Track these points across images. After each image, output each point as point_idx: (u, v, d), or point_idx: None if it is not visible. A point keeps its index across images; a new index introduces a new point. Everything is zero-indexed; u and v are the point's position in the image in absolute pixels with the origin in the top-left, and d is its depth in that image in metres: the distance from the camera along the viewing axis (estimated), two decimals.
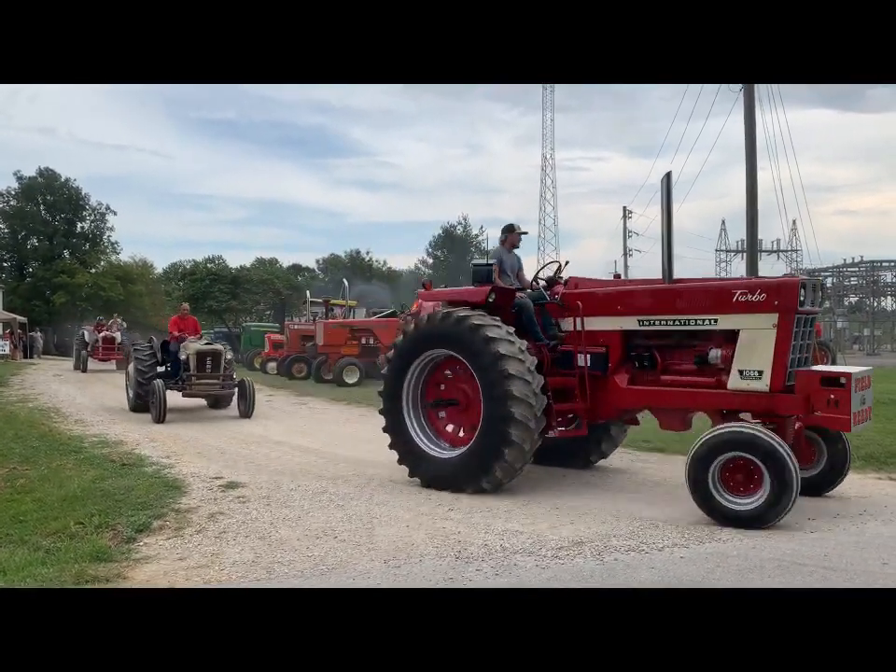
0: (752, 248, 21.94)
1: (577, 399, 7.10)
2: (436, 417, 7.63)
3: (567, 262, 8.13)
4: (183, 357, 13.35)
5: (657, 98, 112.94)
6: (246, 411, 13.19)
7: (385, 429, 7.74)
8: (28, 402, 15.41)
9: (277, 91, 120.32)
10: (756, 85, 20.24)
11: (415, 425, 7.54)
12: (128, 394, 14.23)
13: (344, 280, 26.82)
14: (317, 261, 74.37)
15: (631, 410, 7.35)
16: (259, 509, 6.37)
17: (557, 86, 67.51)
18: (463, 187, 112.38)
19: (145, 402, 13.12)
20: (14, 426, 11.51)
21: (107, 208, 59.27)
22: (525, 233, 8.30)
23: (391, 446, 7.70)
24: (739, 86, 20.57)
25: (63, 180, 57.47)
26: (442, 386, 7.61)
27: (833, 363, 17.21)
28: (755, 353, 6.13)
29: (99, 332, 28.37)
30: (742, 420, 6.19)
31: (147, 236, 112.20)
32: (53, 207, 56.97)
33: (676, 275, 6.92)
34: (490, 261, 7.76)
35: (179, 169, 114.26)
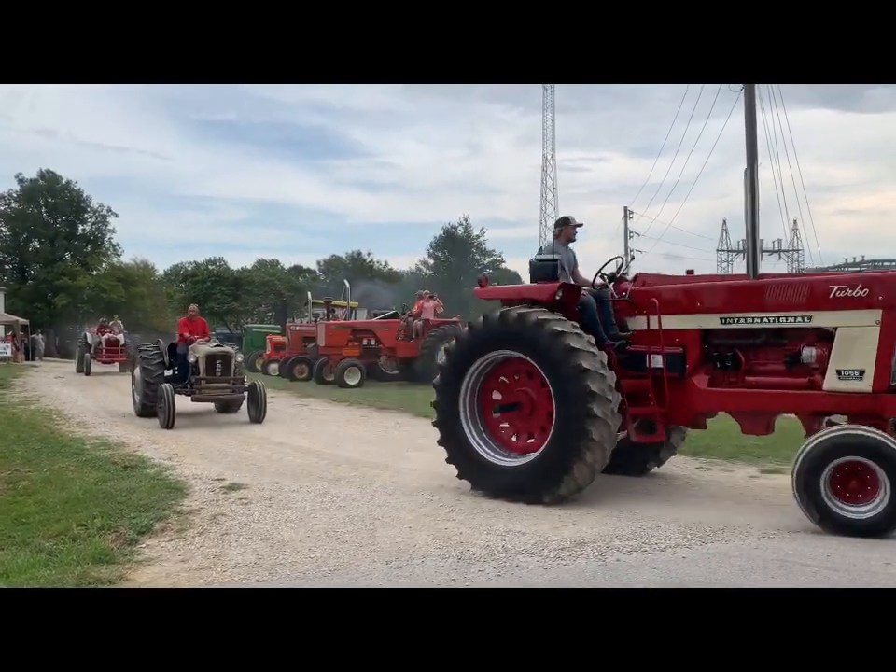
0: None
1: (652, 403, 6.71)
2: (496, 425, 7.18)
3: (632, 257, 7.64)
4: (192, 359, 12.87)
5: (657, 99, 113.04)
6: (257, 416, 12.67)
7: (440, 442, 7.30)
8: (30, 405, 15.42)
9: (277, 93, 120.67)
10: (756, 85, 20.23)
11: (475, 433, 7.09)
12: (134, 399, 13.84)
13: (346, 281, 26.81)
14: (318, 263, 74.59)
15: (709, 413, 7.00)
16: (261, 510, 6.37)
17: (557, 86, 67.60)
18: (463, 187, 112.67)
19: (152, 407, 12.72)
20: (16, 428, 11.52)
21: (109, 210, 59.46)
22: (581, 225, 7.74)
23: (449, 460, 7.22)
24: (740, 86, 20.56)
25: (64, 183, 57.60)
26: (497, 394, 7.17)
27: None
28: (855, 351, 5.78)
29: (102, 334, 28.10)
30: (835, 423, 5.92)
31: (147, 238, 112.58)
32: (55, 210, 57.07)
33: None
34: (556, 256, 7.23)
35: (179, 171, 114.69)
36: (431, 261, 72.87)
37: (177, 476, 7.84)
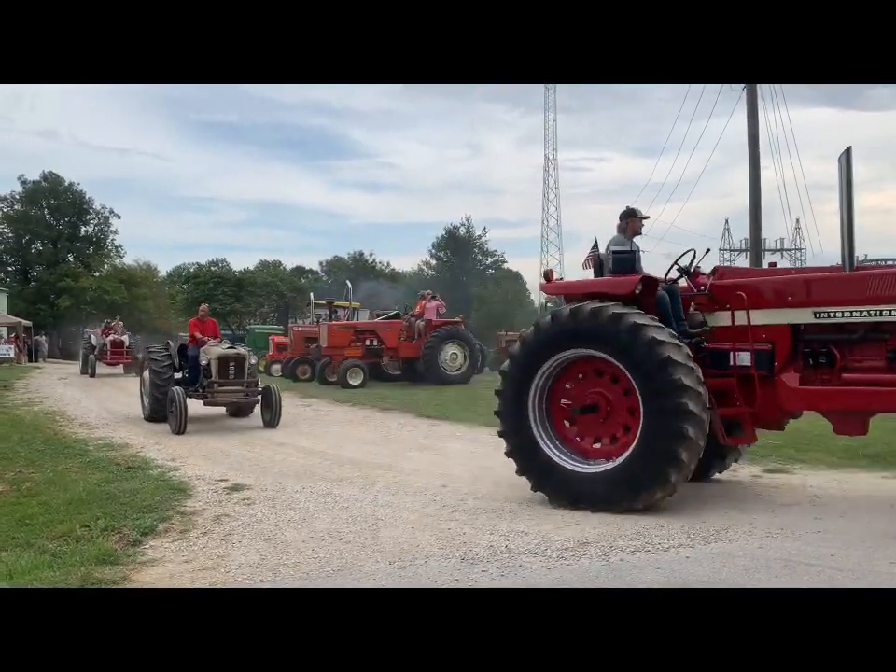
0: (756, 247, 21.90)
1: (738, 403, 6.30)
2: (566, 431, 6.73)
3: (707, 250, 7.18)
4: (204, 362, 12.22)
5: (658, 99, 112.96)
6: (272, 420, 12.15)
7: (507, 454, 6.82)
8: (33, 406, 15.44)
9: (278, 93, 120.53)
10: (758, 84, 20.22)
11: (547, 440, 6.60)
12: (143, 402, 13.33)
13: (348, 282, 26.83)
14: (321, 263, 74.68)
15: (797, 413, 6.64)
16: (264, 511, 6.37)
17: (558, 87, 67.63)
18: (464, 188, 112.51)
19: (162, 412, 12.19)
20: (19, 429, 11.53)
21: (111, 212, 59.71)
22: (647, 217, 7.33)
23: (520, 472, 6.71)
24: (741, 85, 20.55)
25: (66, 184, 57.77)
26: (563, 401, 6.73)
27: None
28: None
29: (106, 336, 27.89)
30: None
31: (148, 239, 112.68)
32: (57, 211, 57.27)
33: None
34: (634, 248, 6.83)
35: (180, 172, 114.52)
36: (434, 262, 72.85)
37: (181, 477, 7.85)
